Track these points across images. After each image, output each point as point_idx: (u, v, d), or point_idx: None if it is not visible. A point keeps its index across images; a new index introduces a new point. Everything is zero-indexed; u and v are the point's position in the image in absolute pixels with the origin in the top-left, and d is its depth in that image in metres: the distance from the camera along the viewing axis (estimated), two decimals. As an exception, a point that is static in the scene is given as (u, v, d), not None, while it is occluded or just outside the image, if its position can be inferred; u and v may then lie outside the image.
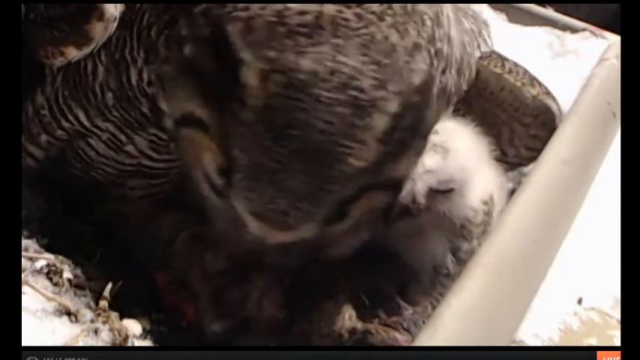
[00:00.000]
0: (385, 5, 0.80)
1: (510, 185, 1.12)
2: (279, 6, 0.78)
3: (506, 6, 1.73)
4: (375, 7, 0.80)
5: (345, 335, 0.96)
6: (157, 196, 1.03)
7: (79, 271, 0.95)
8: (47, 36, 0.92)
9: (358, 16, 0.79)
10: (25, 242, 0.94)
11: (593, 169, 1.09)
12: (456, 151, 0.97)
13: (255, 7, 0.79)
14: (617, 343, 1.07)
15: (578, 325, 1.12)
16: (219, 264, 0.96)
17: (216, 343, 0.94)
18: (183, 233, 1.01)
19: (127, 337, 0.87)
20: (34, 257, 0.92)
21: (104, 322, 0.88)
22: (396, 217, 0.96)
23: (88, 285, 0.94)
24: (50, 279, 0.91)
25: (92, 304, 0.91)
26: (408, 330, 0.98)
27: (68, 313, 0.87)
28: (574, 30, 1.68)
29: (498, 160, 1.06)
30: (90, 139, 0.97)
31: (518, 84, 1.07)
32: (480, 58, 1.05)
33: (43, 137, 0.98)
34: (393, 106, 0.80)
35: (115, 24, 0.89)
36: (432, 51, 0.84)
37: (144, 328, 0.92)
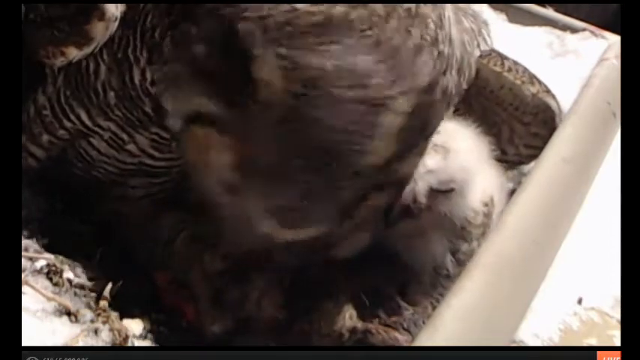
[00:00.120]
0: (390, 7, 0.81)
1: (510, 185, 1.12)
2: (289, 6, 0.79)
3: (506, 6, 1.72)
4: (381, 9, 0.81)
5: (345, 335, 0.96)
6: (158, 196, 1.02)
7: (79, 271, 0.95)
8: (47, 36, 0.92)
9: (365, 17, 0.80)
10: (25, 242, 0.94)
11: (593, 169, 1.09)
12: (457, 152, 0.97)
13: (266, 7, 0.80)
14: (617, 343, 1.07)
15: (578, 325, 1.12)
16: (219, 264, 0.96)
17: (216, 343, 0.94)
18: (183, 233, 1.01)
19: (127, 337, 0.87)
20: (34, 257, 0.92)
21: (104, 322, 0.88)
22: (397, 217, 0.96)
23: (88, 285, 0.94)
24: (50, 279, 0.91)
25: (92, 304, 0.91)
26: (408, 330, 0.98)
27: (68, 313, 0.87)
28: (574, 30, 1.68)
29: (498, 159, 1.06)
30: (91, 139, 0.97)
31: (518, 82, 1.07)
32: (480, 56, 1.05)
33: (45, 137, 0.98)
34: (403, 105, 0.81)
35: (116, 24, 0.89)
36: (435, 53, 0.85)
37: (144, 328, 0.93)
